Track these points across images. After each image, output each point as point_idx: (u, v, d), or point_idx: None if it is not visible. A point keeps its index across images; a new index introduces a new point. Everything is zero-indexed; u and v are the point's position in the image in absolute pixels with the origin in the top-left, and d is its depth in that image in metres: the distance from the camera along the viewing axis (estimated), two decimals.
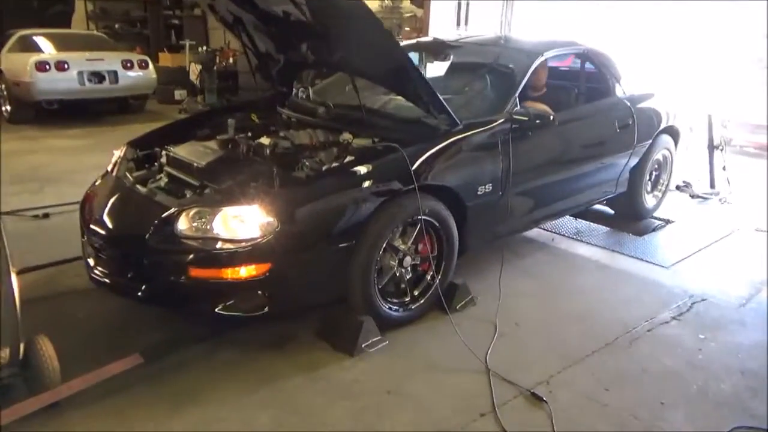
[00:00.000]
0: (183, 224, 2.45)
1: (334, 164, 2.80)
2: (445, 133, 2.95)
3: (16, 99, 7.76)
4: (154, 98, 9.55)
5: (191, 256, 2.37)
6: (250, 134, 3.49)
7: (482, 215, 3.10)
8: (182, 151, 2.98)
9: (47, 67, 7.51)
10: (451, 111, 2.93)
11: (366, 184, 2.58)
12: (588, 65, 4.14)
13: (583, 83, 4.11)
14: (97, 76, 7.95)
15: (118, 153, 3.31)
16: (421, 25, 8.47)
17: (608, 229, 4.38)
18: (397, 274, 2.81)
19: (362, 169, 2.63)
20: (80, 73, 7.79)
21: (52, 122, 7.88)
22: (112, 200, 2.77)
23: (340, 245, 2.51)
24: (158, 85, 9.17)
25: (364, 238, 2.56)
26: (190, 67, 10.08)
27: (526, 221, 3.53)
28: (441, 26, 8.32)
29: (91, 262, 2.71)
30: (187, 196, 2.75)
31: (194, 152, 2.93)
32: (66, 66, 7.67)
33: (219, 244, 2.38)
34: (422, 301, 2.92)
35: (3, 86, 7.95)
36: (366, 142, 3.03)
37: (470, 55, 3.95)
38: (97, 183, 3.14)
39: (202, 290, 2.40)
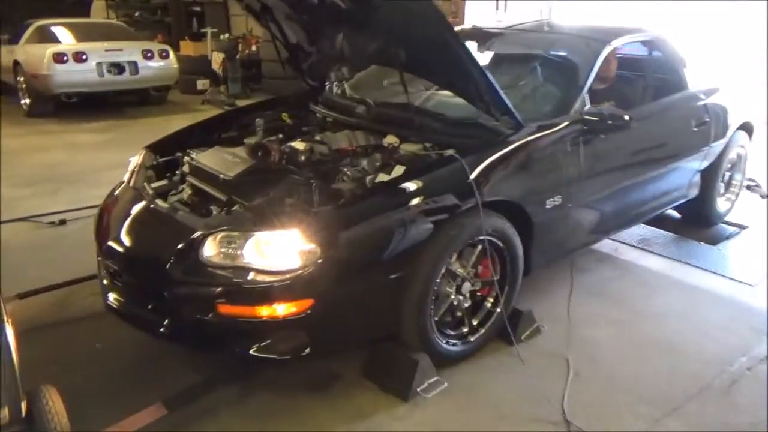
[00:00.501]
0: (209, 250, 2.10)
1: (382, 177, 2.42)
2: (507, 138, 2.54)
3: (34, 92, 7.51)
4: (176, 88, 9.24)
5: (219, 289, 2.02)
6: (281, 136, 3.13)
7: (550, 231, 2.69)
8: (206, 160, 2.62)
9: (65, 58, 7.23)
10: (515, 112, 2.53)
11: (420, 201, 2.19)
12: (655, 54, 3.68)
13: (650, 74, 3.66)
14: (117, 67, 7.65)
15: (135, 159, 2.98)
16: (456, 10, 7.99)
17: (674, 236, 3.93)
18: (455, 303, 2.43)
19: (416, 184, 2.24)
20: (99, 65, 7.50)
21: (71, 116, 7.62)
22: (128, 218, 2.42)
23: (393, 275, 2.14)
24: (180, 75, 8.86)
25: (419, 265, 2.18)
26: (212, 56, 9.74)
27: (596, 234, 3.11)
28: (478, 13, 7.82)
29: (106, 284, 2.38)
30: (213, 213, 2.40)
31: (220, 161, 2.57)
32: (84, 57, 7.38)
33: (251, 275, 2.02)
34: (482, 332, 2.53)
35: (21, 79, 7.71)
36: (415, 148, 2.63)
37: (519, 45, 3.50)
38: (114, 193, 2.80)
39: (232, 330, 2.05)
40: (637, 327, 2.82)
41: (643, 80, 3.66)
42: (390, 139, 2.81)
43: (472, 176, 2.29)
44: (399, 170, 2.44)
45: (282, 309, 1.98)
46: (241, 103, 8.98)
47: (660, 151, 3.33)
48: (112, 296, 2.34)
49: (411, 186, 2.23)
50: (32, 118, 7.58)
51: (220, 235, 2.11)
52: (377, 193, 2.24)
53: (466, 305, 2.47)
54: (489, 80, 2.38)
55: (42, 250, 3.55)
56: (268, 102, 3.59)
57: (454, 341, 2.43)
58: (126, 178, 2.82)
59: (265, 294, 1.98)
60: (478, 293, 2.53)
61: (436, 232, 2.21)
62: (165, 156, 3.00)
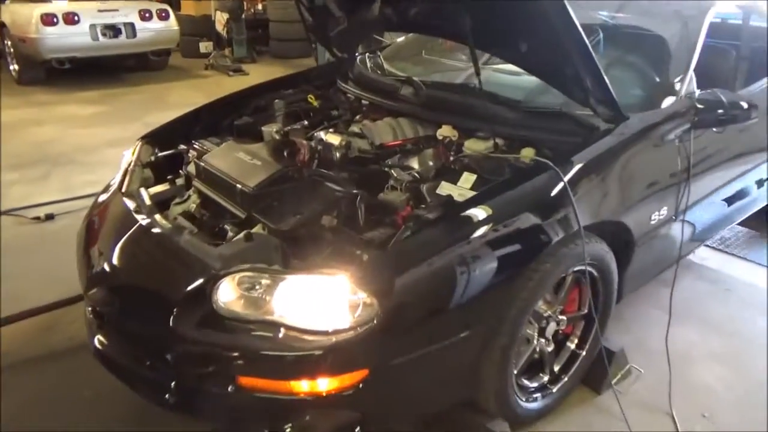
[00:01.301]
0: (227, 294, 1.57)
1: (447, 188, 1.86)
2: (604, 134, 1.96)
3: (23, 58, 6.87)
4: (177, 51, 8.56)
5: (240, 355, 1.49)
6: (306, 123, 2.56)
7: (651, 249, 2.15)
8: (218, 161, 2.05)
9: (55, 20, 6.55)
10: (616, 99, 1.94)
11: (505, 227, 1.65)
12: (755, 19, 3.04)
13: (746, 46, 3.03)
14: (112, 30, 6.97)
15: (129, 155, 2.42)
16: None
17: (757, 233, 3.38)
18: (537, 349, 1.92)
19: (497, 203, 1.69)
20: (93, 27, 6.82)
21: (65, 84, 6.99)
22: (118, 241, 1.88)
23: (472, 328, 1.60)
24: (181, 37, 8.17)
25: (505, 311, 1.65)
26: (215, 16, 9.02)
27: (694, 243, 2.56)
28: None
29: (92, 323, 1.87)
30: (229, 234, 1.87)
31: (235, 163, 2.00)
32: (76, 18, 6.70)
33: (283, 333, 1.49)
34: (565, 380, 2.02)
35: (8, 43, 7.06)
36: (483, 147, 2.06)
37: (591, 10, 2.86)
38: (102, 199, 2.26)
39: (258, 406, 1.53)
40: (749, 363, 2.30)
41: (736, 53, 3.03)
42: (446, 131, 2.23)
43: (572, 192, 1.73)
44: (468, 179, 1.88)
45: (325, 384, 1.46)
46: (248, 67, 8.34)
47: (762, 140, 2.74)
48: (99, 339, 1.82)
49: (492, 206, 1.67)
50: (23, 86, 6.97)
51: (240, 275, 1.58)
52: (450, 217, 1.68)
53: (549, 349, 1.95)
54: (593, 60, 1.78)
55: (24, 254, 3.02)
56: (288, 79, 2.99)
57: (534, 395, 1.92)
58: (117, 179, 2.26)
59: (304, 364, 1.45)
60: (560, 331, 2.01)
61: (525, 268, 1.67)
62: (165, 149, 2.45)
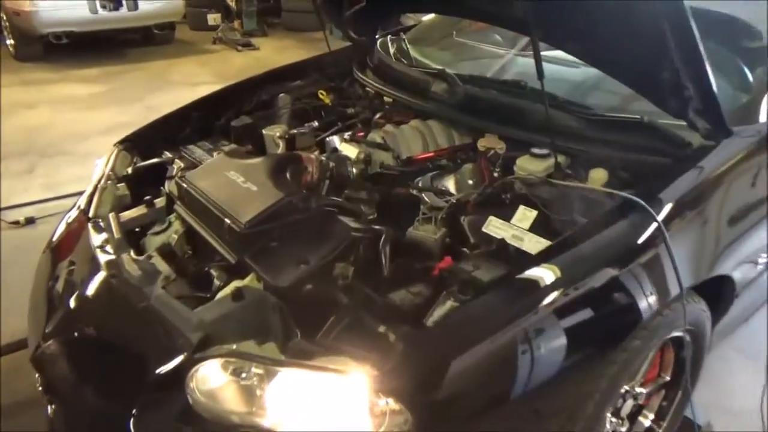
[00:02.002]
0: (208, 381, 1.16)
1: (497, 227, 1.42)
2: (701, 153, 1.50)
3: (18, 32, 6.42)
4: (184, 23, 8.07)
5: None
6: (315, 125, 2.12)
7: (748, 297, 1.71)
8: (203, 181, 1.62)
9: None
10: (722, 110, 1.48)
11: (581, 293, 1.21)
12: None
13: None
14: (113, 2, 6.48)
15: (101, 164, 2.01)
16: None
17: None
18: (610, 431, 1.50)
19: (569, 258, 1.25)
20: None
21: (64, 60, 6.55)
22: (77, 290, 1.48)
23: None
24: (188, 9, 7.68)
25: (579, 407, 1.23)
26: None
27: None
28: None
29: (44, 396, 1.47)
30: (215, 281, 1.46)
31: (224, 186, 1.57)
32: None
33: None
34: None
35: (3, 16, 6.62)
36: (542, 167, 1.60)
37: None
38: (67, 222, 1.85)
39: None
40: None
41: None
42: (489, 142, 1.79)
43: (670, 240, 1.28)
44: (526, 216, 1.43)
45: None
46: (258, 41, 7.83)
47: None
48: (52, 412, 1.44)
49: (563, 262, 1.24)
50: (20, 62, 6.55)
51: (222, 360, 1.17)
52: (508, 278, 1.24)
53: (624, 430, 1.54)
54: (703, 63, 1.32)
55: None
56: (294, 67, 2.53)
57: None
58: (83, 200, 1.84)
59: None
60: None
61: (608, 347, 1.24)
62: (147, 157, 2.04)
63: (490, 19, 2.03)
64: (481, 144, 1.80)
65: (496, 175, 1.77)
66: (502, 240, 1.39)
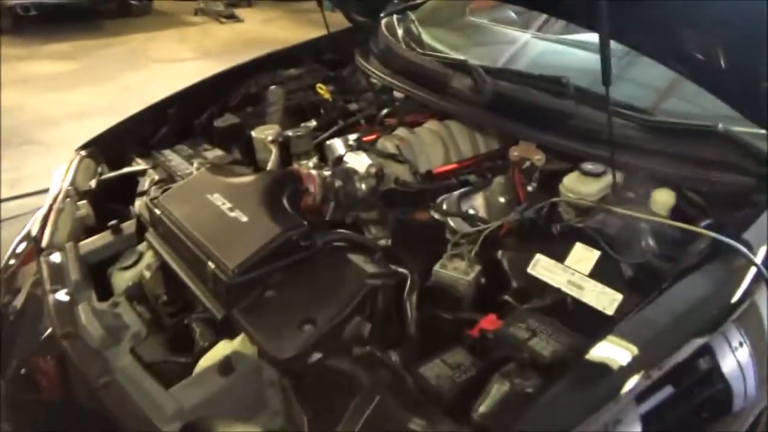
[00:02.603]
0: None
1: (551, 274, 1.14)
2: None
3: None
4: None
5: None
6: (313, 124, 1.81)
7: None
8: (180, 207, 1.30)
9: None
10: None
11: (664, 372, 0.93)
12: None
13: None
14: None
15: (59, 177, 1.69)
16: None
17: None
18: None
19: (648, 322, 0.97)
20: None
21: (36, 34, 6.11)
22: (19, 351, 1.18)
23: None
24: None
25: None
26: None
27: None
28: None
29: None
30: (197, 340, 1.18)
31: (206, 216, 1.25)
32: None
33: None
34: None
35: None
36: (595, 188, 1.31)
37: None
38: (19, 252, 1.54)
39: None
40: None
41: None
42: (523, 151, 1.50)
43: None
44: (585, 257, 1.14)
45: None
46: (243, 13, 7.38)
47: None
48: None
49: (641, 328, 0.96)
50: None
51: None
52: (576, 359, 0.96)
53: None
54: None
55: None
56: (288, 53, 2.20)
57: None
58: (35, 224, 1.52)
59: None
60: None
61: None
62: (115, 165, 1.73)
63: (543, 6, 1.70)
64: (515, 153, 1.51)
65: (530, 189, 1.50)
66: (557, 291, 1.11)
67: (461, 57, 1.74)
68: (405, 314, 1.14)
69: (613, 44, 1.84)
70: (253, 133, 1.74)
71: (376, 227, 1.49)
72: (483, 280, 1.23)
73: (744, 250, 1.02)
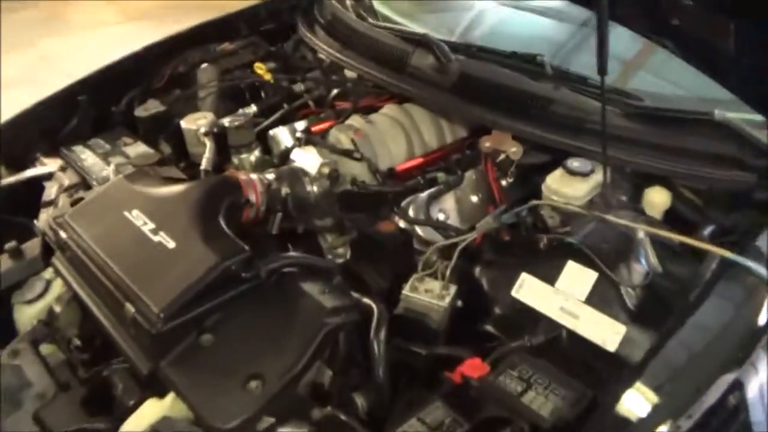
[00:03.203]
0: None
1: (542, 300, 0.97)
2: None
3: None
4: None
5: None
6: (253, 110, 1.57)
7: None
8: (92, 228, 1.06)
9: None
10: None
11: (693, 421, 0.80)
12: None
13: None
14: None
15: None
16: None
17: None
18: None
19: (666, 363, 0.82)
20: None
21: None
22: None
23: None
24: None
25: None
26: None
27: None
28: None
29: None
30: (119, 396, 0.96)
31: (125, 238, 1.02)
32: None
33: None
34: None
35: None
36: (584, 190, 1.14)
37: None
38: None
39: None
40: None
41: None
42: (497, 142, 1.31)
43: None
44: (581, 279, 0.98)
45: None
46: None
47: None
48: None
49: (660, 371, 0.81)
50: None
51: None
52: (581, 420, 0.80)
53: None
54: None
55: None
56: (219, 24, 1.90)
57: None
58: None
59: None
60: None
61: None
62: (15, 165, 1.45)
63: None
64: (486, 144, 1.33)
65: (504, 184, 1.33)
66: (549, 321, 0.95)
67: (420, 30, 1.53)
68: (372, 353, 0.96)
69: (570, 12, 1.71)
70: (183, 124, 1.48)
71: (332, 235, 1.29)
72: (459, 302, 1.06)
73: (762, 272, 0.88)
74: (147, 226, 1.04)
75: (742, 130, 1.12)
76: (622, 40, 1.52)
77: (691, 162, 1.13)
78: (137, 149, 1.48)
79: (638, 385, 0.80)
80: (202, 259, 0.96)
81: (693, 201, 1.13)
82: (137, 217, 1.06)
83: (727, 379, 0.82)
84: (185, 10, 2.03)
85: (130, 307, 0.93)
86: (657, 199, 1.13)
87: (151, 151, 1.46)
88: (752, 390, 0.84)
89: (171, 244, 1.00)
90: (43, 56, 4.18)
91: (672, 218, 1.13)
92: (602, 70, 0.92)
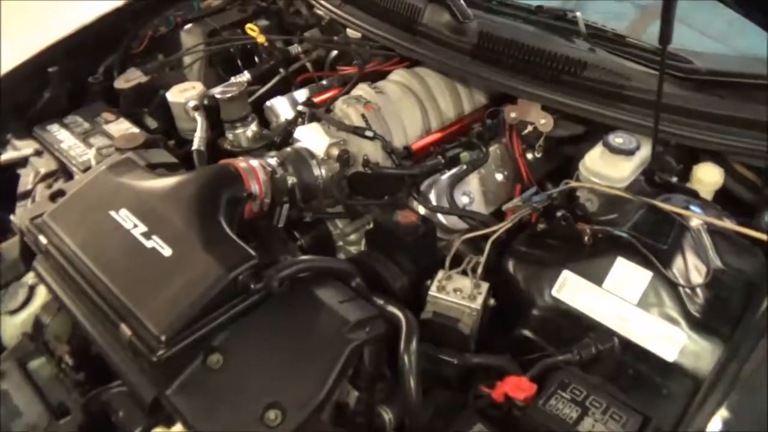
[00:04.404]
0: None
1: (588, 300, 0.86)
2: None
3: None
4: None
5: None
6: (248, 79, 1.42)
7: None
8: (77, 230, 0.94)
9: None
10: None
11: None
12: None
13: None
14: None
15: None
16: None
17: None
18: None
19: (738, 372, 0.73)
20: None
21: None
22: None
23: None
24: None
25: None
26: None
27: None
28: None
29: None
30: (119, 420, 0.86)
31: (114, 244, 0.90)
32: None
33: None
34: None
35: None
36: (628, 170, 1.01)
37: None
38: None
39: None
40: None
41: None
42: (524, 112, 1.18)
43: None
44: (633, 278, 0.87)
45: None
46: None
47: None
48: None
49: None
50: None
51: None
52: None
53: None
54: None
55: None
56: None
57: None
58: None
59: None
60: None
61: None
62: None
63: None
64: (512, 115, 1.19)
65: (530, 157, 1.21)
66: (600, 327, 0.85)
67: None
68: (402, 367, 0.86)
69: None
70: (170, 97, 1.33)
71: (344, 221, 1.18)
72: (492, 301, 0.96)
73: None
74: (138, 229, 0.91)
75: None
76: None
77: (749, 135, 1.00)
78: (120, 127, 1.33)
79: (709, 406, 0.71)
80: (204, 269, 0.84)
81: (750, 180, 1.02)
82: (126, 219, 0.93)
83: None
84: None
85: (126, 329, 0.81)
86: (708, 176, 1.02)
87: (135, 129, 1.31)
88: None
89: (167, 251, 0.87)
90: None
91: (725, 200, 1.02)
92: (665, 38, 0.78)
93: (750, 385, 0.71)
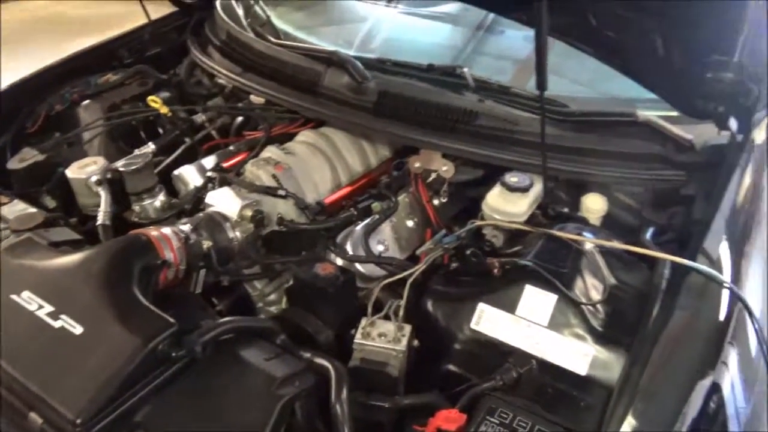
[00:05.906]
0: None
1: (506, 330, 0.91)
2: (716, 156, 1.12)
3: None
4: None
5: None
6: (153, 149, 1.41)
7: None
8: None
9: None
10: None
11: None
12: None
13: None
14: None
15: None
16: None
17: None
18: None
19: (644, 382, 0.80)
20: None
21: None
22: None
23: None
24: None
25: None
26: None
27: None
28: None
29: None
30: None
31: (21, 328, 0.85)
32: None
33: None
34: None
35: None
36: (524, 205, 1.10)
37: None
38: None
39: None
40: None
41: None
42: (426, 161, 1.26)
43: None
44: (541, 303, 0.94)
45: None
46: None
47: None
48: None
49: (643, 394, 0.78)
50: None
51: None
52: None
53: None
54: None
55: None
56: (98, 52, 1.69)
57: None
58: None
59: None
60: None
61: None
62: None
63: None
64: (416, 164, 1.26)
65: (436, 203, 1.28)
66: (516, 352, 0.90)
67: (319, 44, 1.44)
68: (335, 417, 0.86)
69: (464, 16, 1.70)
70: (69, 173, 1.29)
71: (262, 282, 1.17)
72: (416, 342, 0.98)
73: (721, 277, 0.88)
74: (43, 309, 0.86)
75: (663, 127, 1.14)
76: (511, 39, 1.54)
77: (622, 165, 1.13)
78: (15, 208, 1.26)
79: (619, 412, 0.77)
80: (120, 342, 0.82)
81: (630, 204, 1.14)
82: (30, 300, 0.88)
83: (705, 384, 0.81)
84: (61, 29, 1.79)
85: (36, 418, 0.76)
86: (594, 205, 1.13)
87: (32, 209, 1.25)
88: (726, 387, 0.84)
89: (77, 329, 0.84)
90: None
91: (611, 223, 1.13)
92: (541, 84, 0.88)
93: (651, 389, 0.78)
